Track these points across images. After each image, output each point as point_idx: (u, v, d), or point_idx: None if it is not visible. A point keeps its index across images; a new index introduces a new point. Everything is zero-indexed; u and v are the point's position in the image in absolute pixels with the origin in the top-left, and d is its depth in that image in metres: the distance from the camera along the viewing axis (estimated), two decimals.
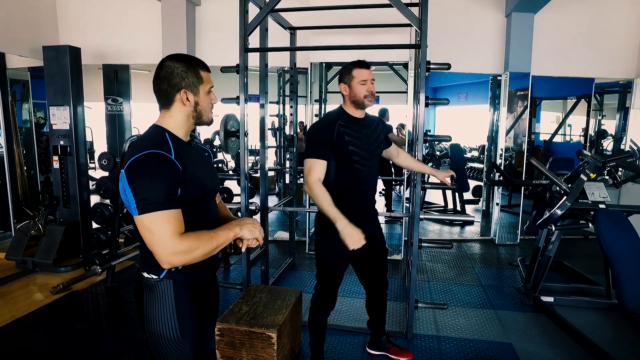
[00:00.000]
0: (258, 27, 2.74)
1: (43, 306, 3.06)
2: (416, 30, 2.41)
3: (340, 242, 1.87)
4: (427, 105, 2.46)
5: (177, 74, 1.26)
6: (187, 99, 1.27)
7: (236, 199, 4.63)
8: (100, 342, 2.62)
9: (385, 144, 2.24)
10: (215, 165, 5.60)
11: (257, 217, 3.24)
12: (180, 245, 1.13)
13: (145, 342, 1.34)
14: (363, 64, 1.97)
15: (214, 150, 5.93)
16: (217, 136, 5.37)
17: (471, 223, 5.40)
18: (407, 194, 4.22)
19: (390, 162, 2.83)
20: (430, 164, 6.32)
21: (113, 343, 2.61)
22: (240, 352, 2.15)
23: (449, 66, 2.46)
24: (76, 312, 3.03)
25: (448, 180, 2.28)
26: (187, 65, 1.27)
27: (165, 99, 1.29)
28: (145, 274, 1.28)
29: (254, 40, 2.73)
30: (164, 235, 1.12)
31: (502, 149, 4.67)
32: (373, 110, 2.35)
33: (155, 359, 1.32)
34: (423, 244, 2.68)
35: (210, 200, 1.38)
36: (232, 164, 6.35)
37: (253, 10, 2.76)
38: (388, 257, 4.13)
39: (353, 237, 1.78)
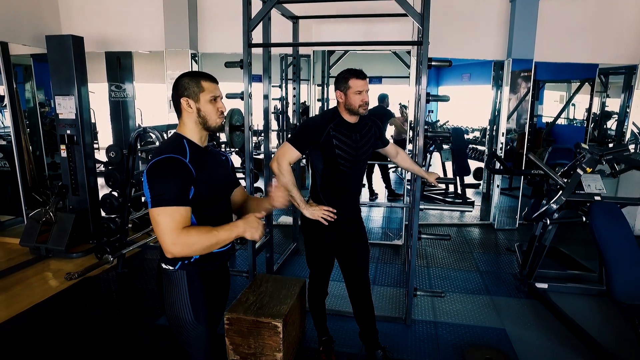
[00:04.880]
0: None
1: (59, 292, 3.21)
2: (418, 28, 2.43)
3: (321, 236, 2.12)
4: (428, 101, 2.50)
5: (182, 85, 1.45)
6: (189, 105, 1.44)
7: (241, 183, 4.73)
8: (116, 328, 2.78)
9: (380, 144, 2.30)
10: None
11: None
12: (179, 238, 1.30)
13: (167, 324, 1.53)
14: (359, 74, 2.01)
15: (214, 142, 5.98)
16: None
17: (471, 209, 5.49)
18: (408, 175, 4.30)
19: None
20: (432, 148, 6.38)
21: (128, 329, 2.76)
22: (248, 339, 2.28)
23: (450, 63, 2.49)
24: (91, 298, 3.18)
25: (436, 182, 2.47)
26: (191, 77, 1.46)
27: (176, 108, 1.49)
28: (164, 265, 1.46)
29: (256, 31, 2.75)
30: (167, 227, 1.30)
31: (503, 133, 4.71)
32: (372, 94, 2.36)
33: (177, 338, 1.50)
34: (422, 236, 2.78)
35: (223, 199, 1.55)
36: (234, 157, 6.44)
37: (255, 1, 2.76)
38: (389, 242, 4.33)
39: (315, 213, 2.05)
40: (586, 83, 5.72)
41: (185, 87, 1.44)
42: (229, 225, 1.40)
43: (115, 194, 3.70)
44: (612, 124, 5.96)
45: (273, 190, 1.64)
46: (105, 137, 6.23)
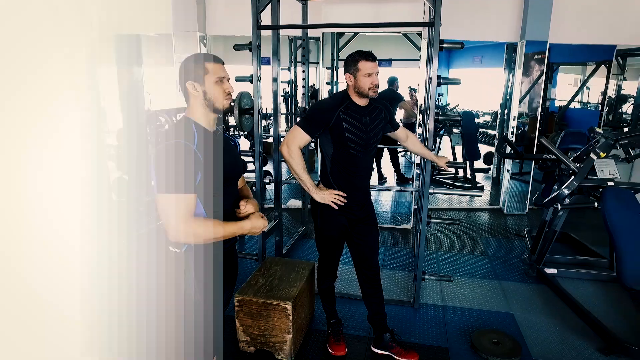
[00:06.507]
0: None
1: None
2: (430, 8, 2.37)
3: (331, 220, 2.11)
4: (438, 84, 2.47)
5: (186, 68, 1.44)
6: (195, 89, 1.43)
7: (250, 166, 4.76)
8: None
9: (390, 128, 2.27)
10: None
11: (271, 187, 3.35)
12: (185, 227, 1.32)
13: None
14: (369, 56, 1.97)
15: (223, 125, 5.97)
16: None
17: (481, 194, 5.46)
18: (417, 159, 4.27)
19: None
20: (442, 132, 6.31)
21: None
22: (258, 321, 2.32)
23: (462, 45, 2.44)
24: None
25: (446, 166, 2.42)
26: (194, 60, 1.44)
27: (183, 92, 1.47)
28: (171, 247, 1.47)
29: (265, 12, 2.72)
30: (172, 215, 1.31)
31: (514, 117, 4.63)
32: (382, 77, 2.31)
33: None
34: (432, 220, 2.77)
35: (231, 184, 1.56)
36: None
37: None
38: (398, 226, 4.33)
39: (325, 197, 2.05)
40: (602, 65, 5.58)
41: (190, 70, 1.42)
42: (236, 225, 1.45)
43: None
44: (627, 107, 5.83)
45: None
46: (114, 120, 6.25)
